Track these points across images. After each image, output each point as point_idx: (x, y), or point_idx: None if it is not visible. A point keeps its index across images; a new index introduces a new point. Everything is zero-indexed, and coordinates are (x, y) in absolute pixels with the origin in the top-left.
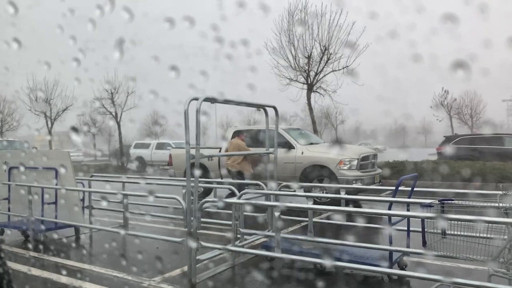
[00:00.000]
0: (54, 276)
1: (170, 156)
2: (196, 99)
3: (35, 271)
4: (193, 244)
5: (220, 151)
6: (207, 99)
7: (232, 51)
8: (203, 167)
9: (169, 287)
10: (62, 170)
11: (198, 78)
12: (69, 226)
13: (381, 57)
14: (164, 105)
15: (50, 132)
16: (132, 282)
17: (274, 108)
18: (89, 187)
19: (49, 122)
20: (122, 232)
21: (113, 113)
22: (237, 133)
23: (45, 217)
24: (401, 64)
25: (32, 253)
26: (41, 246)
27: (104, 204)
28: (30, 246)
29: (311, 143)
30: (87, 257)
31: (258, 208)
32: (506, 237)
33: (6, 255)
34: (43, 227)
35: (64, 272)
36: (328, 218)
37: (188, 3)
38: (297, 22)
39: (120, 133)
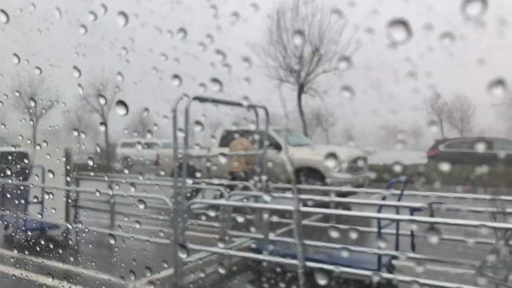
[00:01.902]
0: (35, 277)
1: (158, 155)
2: (185, 97)
3: (17, 271)
4: (179, 246)
5: (208, 152)
6: (196, 99)
7: (218, 50)
8: (191, 168)
9: None
10: (51, 169)
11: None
12: (55, 226)
13: (372, 58)
14: (152, 104)
15: (34, 129)
16: (117, 284)
17: (265, 108)
18: (77, 186)
19: (34, 119)
20: (108, 232)
21: (100, 111)
22: (234, 134)
23: (31, 216)
24: (392, 66)
25: (15, 253)
26: (24, 246)
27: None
28: (13, 246)
29: (301, 145)
30: (70, 258)
31: (248, 210)
32: (494, 241)
33: None
34: (27, 226)
35: (46, 272)
36: (317, 220)
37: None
38: (288, 22)
39: (106, 132)
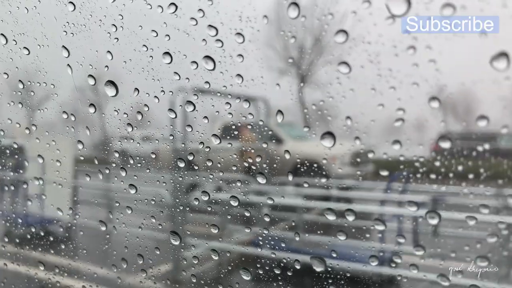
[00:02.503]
0: (32, 271)
1: (155, 148)
2: (183, 89)
3: (12, 266)
4: (177, 240)
5: (203, 145)
6: (195, 90)
7: (216, 37)
8: (188, 161)
9: (152, 284)
10: (40, 160)
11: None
12: (51, 220)
13: (374, 48)
14: (148, 94)
15: (30, 122)
16: (113, 278)
17: (265, 100)
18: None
19: (29, 112)
20: (104, 227)
21: (96, 103)
22: (234, 127)
23: (30, 210)
24: (395, 56)
25: (10, 248)
26: (20, 241)
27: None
28: (9, 240)
29: (302, 138)
30: (67, 252)
31: (247, 204)
32: (497, 235)
33: None
34: (26, 221)
35: (42, 267)
36: (318, 215)
37: None
38: (286, 10)
39: (103, 124)
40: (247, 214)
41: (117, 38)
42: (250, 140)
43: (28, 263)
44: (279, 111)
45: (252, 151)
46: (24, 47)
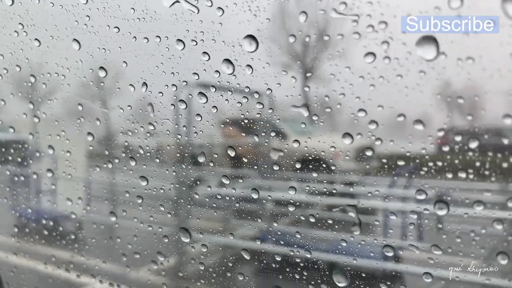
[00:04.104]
0: (38, 265)
1: (160, 143)
2: (186, 82)
3: (20, 260)
4: (182, 234)
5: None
6: (200, 85)
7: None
8: (194, 156)
9: (157, 278)
10: (50, 152)
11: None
12: (58, 215)
13: (376, 40)
14: (159, 85)
15: (36, 116)
16: (119, 272)
17: (269, 94)
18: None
19: (35, 106)
20: (111, 220)
21: (105, 95)
22: (232, 122)
23: (40, 205)
24: (398, 48)
25: (19, 242)
26: (28, 234)
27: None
28: (17, 234)
29: (306, 133)
30: (73, 246)
31: (251, 199)
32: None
33: None
34: (38, 216)
35: (49, 261)
36: (323, 210)
37: None
38: (291, 6)
39: (107, 119)
40: (251, 208)
41: (128, 32)
42: (237, 136)
43: (39, 256)
44: (284, 103)
45: (250, 145)
46: (35, 39)
